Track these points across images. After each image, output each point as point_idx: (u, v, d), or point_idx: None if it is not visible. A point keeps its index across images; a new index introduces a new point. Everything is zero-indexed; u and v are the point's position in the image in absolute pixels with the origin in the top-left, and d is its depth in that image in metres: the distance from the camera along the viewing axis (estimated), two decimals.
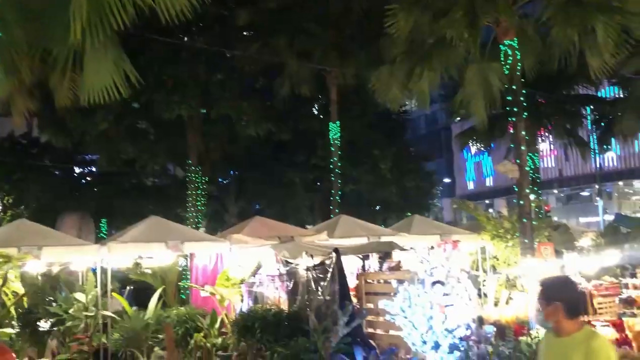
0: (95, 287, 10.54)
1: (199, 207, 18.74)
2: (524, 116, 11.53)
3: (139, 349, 9.78)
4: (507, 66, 11.51)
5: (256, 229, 12.67)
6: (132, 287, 14.83)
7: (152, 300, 11.06)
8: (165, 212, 16.12)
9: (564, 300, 3.28)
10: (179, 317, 10.82)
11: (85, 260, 11.18)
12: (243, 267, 11.29)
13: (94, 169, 24.26)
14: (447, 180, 47.38)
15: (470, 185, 47.87)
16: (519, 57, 11.51)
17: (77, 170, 24.82)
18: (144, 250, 11.38)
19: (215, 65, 18.39)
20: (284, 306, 10.00)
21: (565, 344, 3.25)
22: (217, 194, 23.87)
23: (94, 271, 11.01)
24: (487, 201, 43.38)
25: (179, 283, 13.30)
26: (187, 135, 19.12)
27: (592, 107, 21.77)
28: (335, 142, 19.10)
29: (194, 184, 18.72)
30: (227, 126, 19.26)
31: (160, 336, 10.16)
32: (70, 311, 10.44)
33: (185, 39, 18.38)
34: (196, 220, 18.56)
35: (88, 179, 24.61)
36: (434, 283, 7.06)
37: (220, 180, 24.98)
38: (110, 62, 7.45)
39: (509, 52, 11.46)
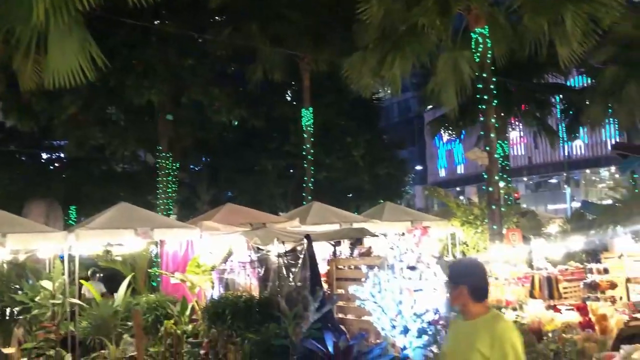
0: (63, 274, 10.36)
1: (170, 194, 18.54)
2: (494, 104, 11.67)
3: (108, 337, 9.67)
4: (478, 54, 11.60)
5: (228, 215, 12.60)
6: (101, 275, 14.64)
7: (122, 288, 10.93)
8: (135, 199, 15.90)
9: (469, 283, 3.23)
10: (148, 304, 10.71)
11: (52, 247, 10.97)
12: (214, 254, 11.22)
13: (62, 155, 23.82)
14: (419, 167, 47.76)
15: (442, 173, 48.34)
16: (489, 45, 11.61)
17: (44, 156, 24.34)
18: (112, 237, 11.22)
19: (186, 50, 18.14)
20: (255, 293, 9.98)
21: (471, 327, 3.20)
22: (189, 181, 23.69)
23: (62, 259, 10.82)
24: (458, 188, 43.88)
25: (149, 270, 13.17)
26: (157, 121, 18.85)
27: (561, 96, 22.11)
28: (308, 128, 19.06)
29: (165, 170, 18.49)
30: (198, 112, 19.06)
31: (130, 323, 10.04)
32: (37, 299, 10.24)
33: (155, 22, 18.06)
34: (167, 207, 18.37)
35: (56, 165, 24.15)
36: (410, 268, 7.12)
37: (192, 167, 24.78)
38: (76, 44, 7.28)
39: (480, 40, 11.55)
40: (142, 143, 20.69)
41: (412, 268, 6.95)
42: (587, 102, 18.89)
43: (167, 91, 17.62)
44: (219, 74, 20.15)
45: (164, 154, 18.68)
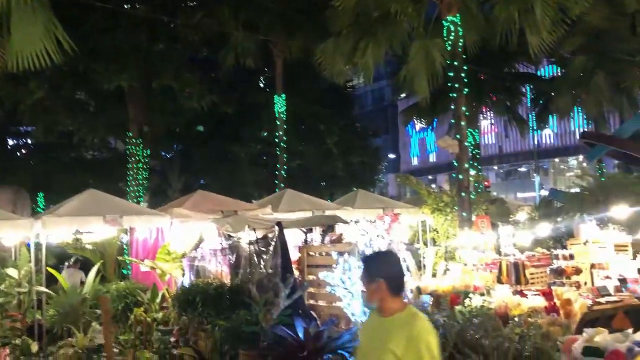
0: (29, 262, 10.17)
1: (141, 182, 18.28)
2: (465, 92, 11.77)
3: (75, 325, 9.55)
4: (450, 42, 11.68)
5: (199, 203, 12.50)
6: (69, 262, 14.42)
7: (90, 275, 10.79)
8: (105, 186, 15.63)
9: (387, 276, 3.06)
10: (118, 292, 10.61)
11: (18, 235, 10.75)
12: (184, 241, 11.14)
13: (29, 141, 23.30)
14: (392, 156, 48.03)
15: (415, 161, 48.75)
16: (461, 33, 11.69)
17: (10, 142, 23.78)
18: (80, 224, 11.01)
19: (157, 34, 17.82)
20: (226, 280, 9.96)
21: (387, 324, 3.03)
22: (160, 168, 23.40)
23: (29, 246, 10.62)
24: (430, 177, 44.30)
25: (119, 258, 13.02)
26: (127, 107, 18.54)
27: (531, 85, 22.43)
28: (281, 115, 18.97)
29: (135, 157, 18.20)
30: (169, 98, 18.79)
31: (99, 311, 9.93)
32: (2, 287, 10.07)
33: (126, 6, 17.70)
34: (138, 194, 18.13)
35: (23, 151, 23.63)
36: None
37: (163, 154, 24.46)
38: (40, 26, 7.10)
39: (452, 28, 11.62)
40: (112, 129, 20.33)
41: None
42: (556, 92, 19.21)
43: (137, 76, 17.31)
44: (190, 60, 19.88)
45: (134, 140, 18.37)
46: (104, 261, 12.30)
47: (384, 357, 2.94)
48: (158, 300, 10.38)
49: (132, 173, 18.19)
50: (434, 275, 10.45)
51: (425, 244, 13.84)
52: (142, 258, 11.70)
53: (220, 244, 10.44)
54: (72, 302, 9.81)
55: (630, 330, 6.28)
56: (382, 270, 3.09)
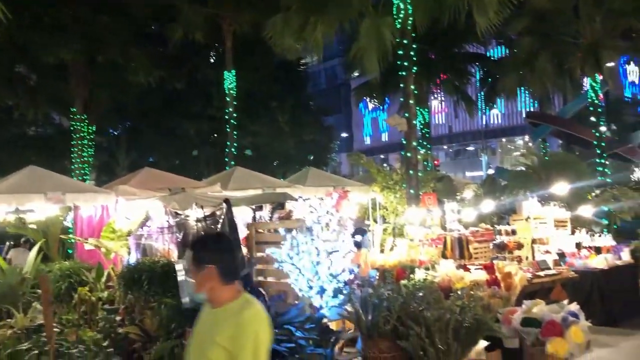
0: None
1: (86, 159, 17.73)
2: (414, 71, 11.86)
3: (15, 305, 9.24)
4: (399, 20, 11.71)
5: (145, 180, 12.22)
6: (20, 242, 13.95)
7: (31, 255, 10.44)
8: (50, 164, 15.09)
9: (218, 262, 2.75)
10: (62, 271, 10.30)
11: None
12: (130, 219, 10.89)
13: None
14: (345, 135, 48.27)
15: (367, 141, 49.14)
16: (410, 11, 11.73)
17: None
18: (20, 202, 10.59)
19: (101, 6, 17.16)
20: (174, 258, 9.81)
21: (217, 315, 2.73)
22: (107, 145, 22.77)
23: None
24: (382, 156, 44.79)
25: (62, 237, 12.64)
26: (70, 81, 17.87)
27: (479, 65, 22.80)
28: (231, 92, 18.69)
29: (80, 133, 17.62)
30: (115, 73, 18.22)
31: (40, 291, 9.64)
32: None
33: None
34: (83, 172, 17.59)
35: None
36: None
37: (110, 130, 23.79)
38: None
39: (402, 6, 11.64)
40: (55, 104, 19.60)
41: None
42: (503, 72, 19.58)
43: (80, 50, 16.66)
44: (137, 34, 19.28)
45: (78, 116, 17.77)
46: (47, 240, 11.91)
47: (211, 351, 2.66)
48: (103, 279, 10.14)
49: (76, 150, 17.64)
50: (381, 251, 10.59)
51: (375, 221, 14.00)
52: (87, 237, 11.39)
53: (167, 221, 10.27)
54: (11, 283, 9.47)
55: (565, 302, 6.56)
56: (212, 256, 2.77)
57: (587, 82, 18.18)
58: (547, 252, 9.80)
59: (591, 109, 16.37)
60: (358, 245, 9.12)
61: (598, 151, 16.04)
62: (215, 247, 2.83)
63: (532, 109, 28.34)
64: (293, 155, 25.03)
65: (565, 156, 18.29)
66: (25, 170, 11.27)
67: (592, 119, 16.30)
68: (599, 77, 16.26)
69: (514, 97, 23.76)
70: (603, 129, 16.74)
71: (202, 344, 2.75)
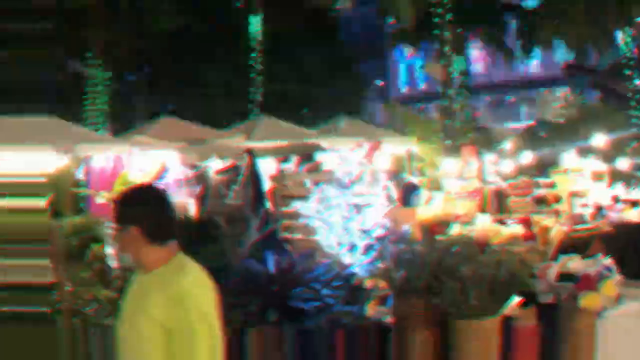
0: None
1: (100, 107, 17.20)
2: (449, 17, 11.40)
3: None
4: None
5: (164, 130, 11.79)
6: None
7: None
8: (62, 112, 14.85)
9: (142, 219, 2.34)
10: (74, 227, 10.16)
11: None
12: (145, 171, 10.43)
13: None
14: (380, 83, 47.34)
15: (404, 90, 48.16)
16: None
17: None
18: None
19: None
20: (192, 212, 9.62)
21: (147, 281, 2.35)
22: (125, 92, 22.23)
23: None
24: (420, 105, 43.91)
25: (73, 190, 12.31)
26: (88, 27, 17.32)
27: (514, 15, 22.02)
28: (257, 36, 18.03)
29: (95, 79, 17.05)
30: (136, 19, 17.60)
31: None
32: None
33: None
34: (97, 121, 17.10)
35: None
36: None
37: (128, 76, 23.16)
38: None
39: None
40: (70, 50, 19.01)
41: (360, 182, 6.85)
42: (539, 23, 18.99)
43: None
44: None
45: (94, 61, 17.17)
46: (57, 193, 11.63)
47: (139, 320, 2.30)
48: None
49: (91, 97, 17.15)
50: None
51: (411, 173, 13.76)
52: (100, 190, 10.97)
53: (186, 174, 10.05)
54: None
55: (600, 255, 6.39)
56: (137, 213, 2.37)
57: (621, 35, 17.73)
58: (585, 205, 9.57)
59: (624, 62, 16.31)
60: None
61: (632, 104, 15.87)
62: (138, 204, 2.43)
63: (569, 61, 27.41)
64: (323, 103, 24.40)
65: (602, 108, 17.97)
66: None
67: (626, 72, 16.10)
68: (631, 31, 15.78)
69: (549, 48, 23.11)
70: (638, 82, 16.55)
71: (132, 316, 2.37)
